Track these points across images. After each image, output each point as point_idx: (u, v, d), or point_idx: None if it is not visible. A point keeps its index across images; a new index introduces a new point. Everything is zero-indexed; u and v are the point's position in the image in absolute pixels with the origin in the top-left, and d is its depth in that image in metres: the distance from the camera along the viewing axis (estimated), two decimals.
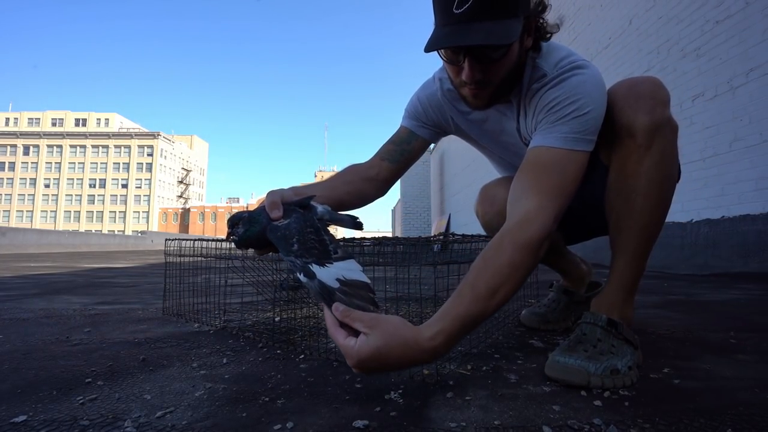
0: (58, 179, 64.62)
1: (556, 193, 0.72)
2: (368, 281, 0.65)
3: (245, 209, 0.79)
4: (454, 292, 0.66)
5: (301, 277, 0.64)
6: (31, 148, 64.56)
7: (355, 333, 0.59)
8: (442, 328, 0.61)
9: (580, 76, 0.77)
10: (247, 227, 0.74)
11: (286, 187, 0.89)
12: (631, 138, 0.79)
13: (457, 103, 0.94)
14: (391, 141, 1.01)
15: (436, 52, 0.75)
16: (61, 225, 61.93)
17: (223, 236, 0.94)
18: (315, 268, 0.64)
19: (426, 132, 1.00)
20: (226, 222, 0.77)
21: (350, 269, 0.66)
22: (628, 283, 0.84)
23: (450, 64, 0.77)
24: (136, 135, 65.17)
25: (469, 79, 0.75)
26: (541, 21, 0.79)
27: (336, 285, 0.63)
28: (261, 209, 0.75)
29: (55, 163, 64.92)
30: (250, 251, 0.84)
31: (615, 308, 0.82)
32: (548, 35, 0.81)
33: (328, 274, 0.64)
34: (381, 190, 0.99)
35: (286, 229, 0.70)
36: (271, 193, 0.77)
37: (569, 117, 0.75)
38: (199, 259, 1.33)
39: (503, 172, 1.16)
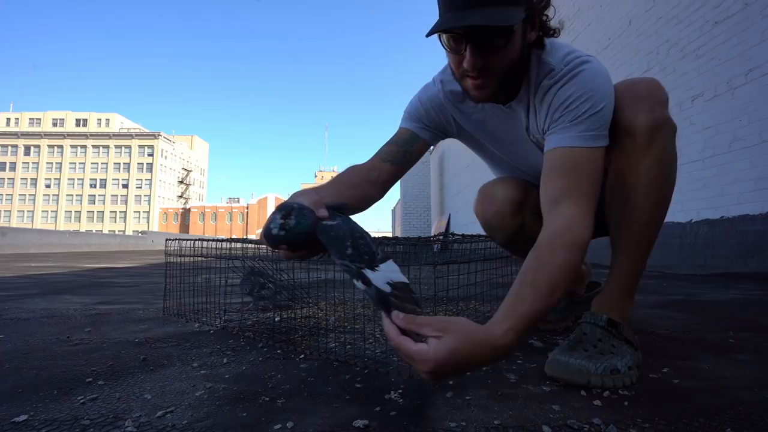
0: (59, 179, 64.63)
1: (590, 195, 0.73)
2: (408, 281, 0.62)
3: (290, 200, 0.69)
4: (513, 292, 0.66)
5: (358, 284, 0.59)
6: (32, 148, 64.58)
7: (419, 338, 0.57)
8: (511, 325, 0.60)
9: (590, 70, 0.77)
10: (299, 220, 0.64)
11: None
12: (630, 137, 0.79)
13: (459, 103, 0.94)
14: (393, 142, 0.99)
15: (440, 44, 0.76)
16: (62, 225, 61.94)
17: (224, 236, 0.93)
18: (369, 273, 0.60)
19: (428, 134, 0.99)
20: (274, 209, 0.68)
21: (393, 270, 0.62)
22: (629, 283, 0.84)
23: (452, 53, 0.77)
24: (136, 135, 65.19)
25: (471, 67, 0.73)
26: (545, 16, 0.79)
27: (388, 289, 0.59)
28: (302, 205, 0.66)
29: (56, 163, 64.95)
30: (259, 250, 0.81)
31: (615, 308, 0.82)
32: (552, 32, 0.81)
33: (379, 278, 0.60)
34: (382, 192, 0.98)
35: (339, 230, 0.63)
36: (306, 192, 0.72)
37: (586, 115, 0.75)
38: (200, 259, 1.34)
39: (500, 174, 1.16)
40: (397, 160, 0.97)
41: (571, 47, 0.82)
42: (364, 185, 0.92)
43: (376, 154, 0.98)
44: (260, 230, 0.72)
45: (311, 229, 0.64)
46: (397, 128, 1.01)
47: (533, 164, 0.99)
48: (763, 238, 2.77)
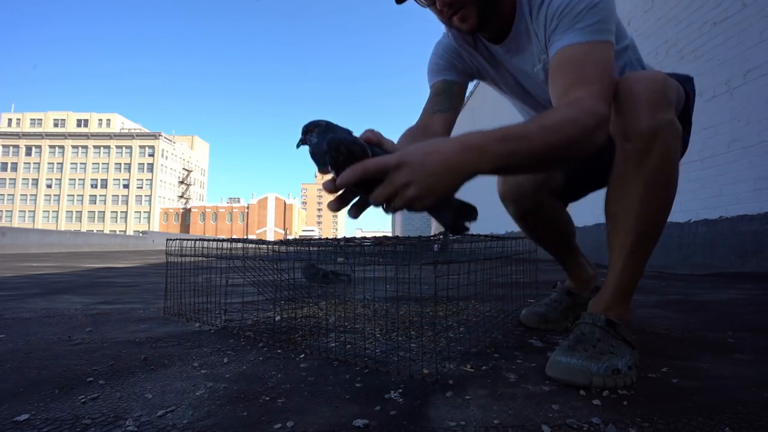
0: (60, 179, 64.63)
1: (603, 84, 0.72)
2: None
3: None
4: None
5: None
6: (33, 148, 64.58)
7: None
8: (483, 134, 0.61)
9: None
10: (324, 136, 0.62)
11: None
12: (629, 143, 0.77)
13: (470, 46, 0.99)
14: (434, 94, 1.00)
15: (422, 10, 0.85)
16: (63, 225, 61.93)
17: (224, 236, 0.93)
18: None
19: (459, 76, 1.01)
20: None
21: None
22: (627, 285, 0.83)
23: (428, 4, 0.83)
24: (137, 135, 65.18)
25: (444, 4, 0.80)
26: None
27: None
28: (331, 123, 0.65)
29: (57, 163, 64.94)
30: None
31: (613, 308, 0.82)
32: None
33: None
34: None
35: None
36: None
37: (584, 12, 0.75)
38: (200, 259, 1.34)
39: (525, 115, 1.15)
40: (446, 106, 0.98)
41: None
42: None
43: (423, 113, 0.99)
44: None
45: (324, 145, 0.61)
46: (429, 89, 1.03)
47: (543, 103, 1.01)
48: (762, 238, 2.77)
